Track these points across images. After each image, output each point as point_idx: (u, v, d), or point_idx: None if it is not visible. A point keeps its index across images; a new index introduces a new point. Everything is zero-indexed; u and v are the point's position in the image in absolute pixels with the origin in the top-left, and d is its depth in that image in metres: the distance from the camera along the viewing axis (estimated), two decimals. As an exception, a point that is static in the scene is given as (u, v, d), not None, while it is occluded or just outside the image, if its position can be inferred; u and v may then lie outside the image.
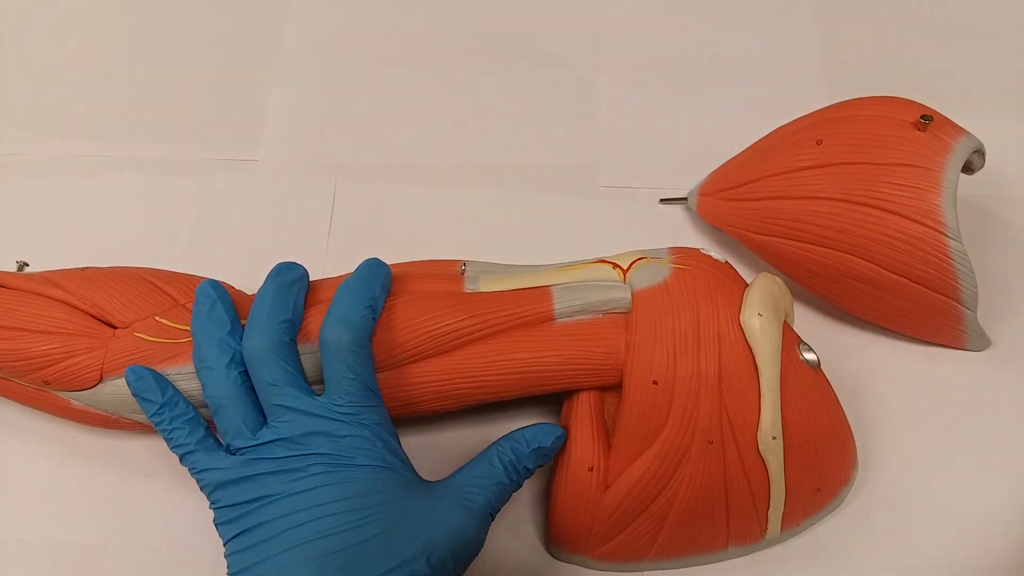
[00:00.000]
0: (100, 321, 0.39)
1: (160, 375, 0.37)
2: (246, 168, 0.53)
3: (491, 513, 0.36)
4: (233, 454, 0.35)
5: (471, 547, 0.35)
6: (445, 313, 0.38)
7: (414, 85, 0.56)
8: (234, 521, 0.34)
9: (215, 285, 0.38)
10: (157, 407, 0.37)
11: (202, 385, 0.37)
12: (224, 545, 0.34)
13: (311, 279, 0.41)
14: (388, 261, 0.40)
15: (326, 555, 0.32)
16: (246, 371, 0.36)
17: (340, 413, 0.35)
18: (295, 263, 0.39)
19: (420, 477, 0.36)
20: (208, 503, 0.35)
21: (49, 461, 0.43)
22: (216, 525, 0.35)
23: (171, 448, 0.36)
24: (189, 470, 0.36)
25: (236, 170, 0.53)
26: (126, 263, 0.44)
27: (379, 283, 0.38)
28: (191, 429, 0.36)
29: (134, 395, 0.37)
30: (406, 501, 0.34)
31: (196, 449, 0.36)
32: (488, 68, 0.57)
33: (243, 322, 0.38)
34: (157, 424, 0.37)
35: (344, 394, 0.35)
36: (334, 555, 0.32)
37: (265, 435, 0.35)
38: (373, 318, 0.37)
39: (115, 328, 0.39)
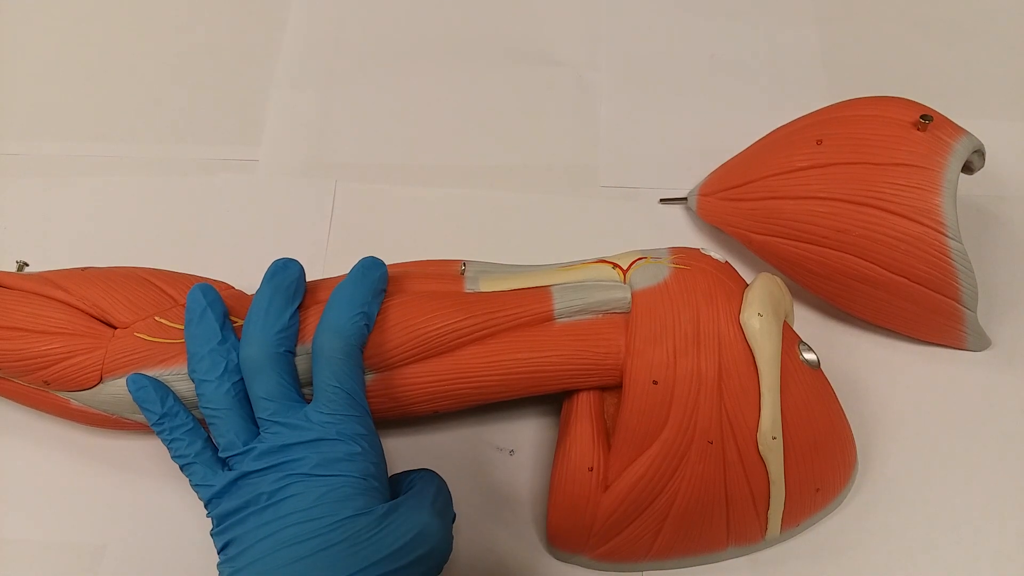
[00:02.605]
0: (100, 321, 0.39)
1: (161, 384, 0.37)
2: (246, 168, 0.53)
3: (453, 515, 0.37)
4: (226, 465, 0.36)
5: (437, 553, 0.35)
6: (445, 313, 0.38)
7: (414, 85, 0.56)
8: (223, 532, 0.35)
9: (205, 290, 0.38)
10: (157, 417, 0.37)
11: (197, 396, 0.37)
12: (218, 554, 0.35)
13: (311, 279, 0.41)
14: (388, 261, 0.40)
15: (292, 562, 0.33)
16: (241, 379, 0.36)
17: (323, 423, 0.35)
18: (291, 260, 0.39)
19: (388, 495, 0.36)
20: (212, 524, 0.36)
21: (49, 461, 0.43)
22: (211, 535, 0.35)
23: (172, 458, 0.37)
24: (189, 482, 0.36)
25: (236, 170, 0.53)
26: (126, 263, 0.44)
27: (373, 287, 0.38)
28: (190, 440, 0.37)
29: (136, 403, 0.38)
30: (372, 510, 0.34)
31: (194, 462, 0.36)
32: (488, 68, 0.57)
33: (242, 321, 0.38)
34: (158, 433, 0.37)
35: (328, 402, 0.35)
36: (300, 562, 0.33)
37: (253, 447, 0.35)
38: (366, 324, 0.37)
39: (115, 328, 0.39)
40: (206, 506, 0.36)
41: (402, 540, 0.33)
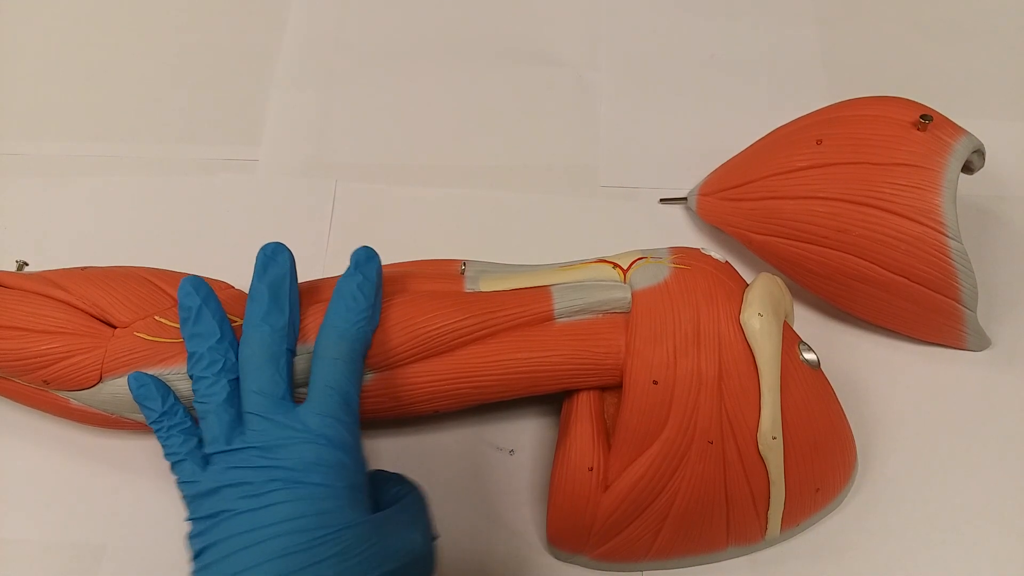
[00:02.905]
0: (100, 321, 0.39)
1: (162, 382, 0.37)
2: (246, 168, 0.53)
3: (435, 535, 0.36)
4: (208, 463, 0.35)
5: (427, 569, 0.35)
6: (445, 313, 0.38)
7: (414, 85, 0.56)
8: (199, 536, 0.33)
9: (197, 286, 0.37)
10: (157, 415, 0.37)
11: (193, 392, 0.36)
12: (191, 562, 0.34)
13: (312, 279, 0.41)
14: (388, 261, 0.40)
15: None
16: (237, 378, 0.36)
17: (313, 426, 0.34)
18: (278, 248, 0.38)
19: (372, 509, 0.35)
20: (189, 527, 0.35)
21: (49, 461, 0.43)
22: (188, 539, 0.34)
23: (165, 456, 0.36)
24: (176, 480, 0.36)
25: (236, 170, 0.53)
26: (126, 263, 0.44)
27: (374, 284, 0.37)
28: (185, 439, 0.36)
29: (136, 402, 0.37)
30: (362, 523, 0.33)
31: (185, 459, 0.35)
32: (488, 68, 0.57)
33: (238, 320, 0.38)
34: (156, 431, 0.37)
35: (320, 405, 0.35)
36: None
37: (235, 443, 0.34)
38: (370, 326, 0.37)
39: (115, 328, 0.39)
40: (187, 506, 0.35)
41: (394, 562, 0.33)
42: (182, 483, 0.35)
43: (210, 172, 0.52)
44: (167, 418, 0.36)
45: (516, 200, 0.52)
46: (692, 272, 0.39)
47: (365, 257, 0.38)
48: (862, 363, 0.46)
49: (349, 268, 0.38)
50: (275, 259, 0.37)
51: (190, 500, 0.35)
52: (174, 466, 0.36)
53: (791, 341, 0.39)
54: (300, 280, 0.40)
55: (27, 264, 0.45)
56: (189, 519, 0.35)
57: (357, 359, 0.36)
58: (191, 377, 0.36)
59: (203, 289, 0.37)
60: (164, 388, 0.37)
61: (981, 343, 0.46)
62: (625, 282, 0.39)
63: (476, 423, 0.44)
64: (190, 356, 0.36)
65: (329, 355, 0.35)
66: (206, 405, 0.35)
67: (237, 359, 0.36)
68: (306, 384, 0.37)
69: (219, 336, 0.36)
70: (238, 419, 0.35)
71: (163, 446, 0.36)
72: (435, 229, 0.51)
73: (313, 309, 0.38)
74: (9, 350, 0.38)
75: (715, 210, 0.48)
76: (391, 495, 0.37)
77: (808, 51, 0.58)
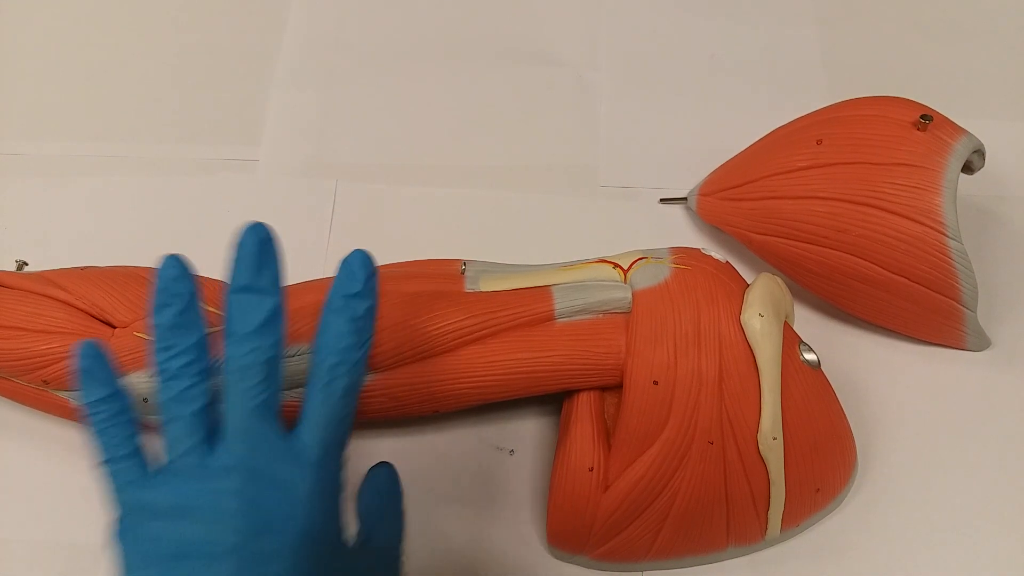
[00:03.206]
0: (99, 320, 0.39)
1: (111, 363, 0.32)
2: (246, 168, 0.53)
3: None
4: (172, 474, 0.29)
5: None
6: (445, 313, 0.38)
7: (414, 85, 0.56)
8: (150, 564, 0.28)
9: (187, 268, 0.31)
10: (103, 396, 0.30)
11: (159, 390, 0.30)
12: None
13: (311, 279, 0.41)
14: (388, 261, 0.40)
15: None
16: (210, 382, 0.31)
17: (314, 457, 0.30)
18: (267, 239, 0.32)
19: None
20: (114, 526, 0.30)
21: (49, 461, 0.43)
22: (120, 552, 0.29)
23: (96, 449, 0.30)
24: (107, 480, 0.30)
25: (236, 170, 0.53)
26: (126, 263, 0.44)
27: (373, 294, 0.32)
28: (130, 434, 0.30)
29: (80, 374, 0.31)
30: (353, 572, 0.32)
31: (127, 459, 0.30)
32: (488, 68, 0.57)
33: (215, 309, 0.35)
34: (92, 416, 0.30)
35: (317, 429, 0.31)
36: None
37: (222, 458, 0.29)
38: (368, 339, 0.33)
39: (114, 327, 0.39)
40: (127, 516, 0.29)
41: None
42: (124, 485, 0.29)
43: (210, 172, 0.52)
44: (112, 403, 0.30)
45: (516, 200, 0.52)
46: (692, 272, 0.39)
47: (371, 272, 0.32)
48: (862, 363, 0.46)
49: (353, 284, 0.32)
50: (268, 253, 0.32)
51: (133, 512, 0.29)
52: (108, 463, 0.30)
53: (791, 341, 0.39)
54: (298, 280, 0.40)
55: (27, 264, 0.45)
56: (126, 534, 0.29)
57: (359, 385, 0.33)
58: (162, 371, 0.30)
59: (194, 276, 0.31)
60: (113, 370, 0.31)
61: (981, 343, 0.46)
62: (625, 282, 0.39)
63: (476, 423, 0.44)
64: (166, 349, 0.30)
65: (337, 384, 0.31)
66: (181, 408, 0.30)
67: (218, 364, 0.31)
68: (297, 385, 0.37)
69: (203, 334, 0.31)
70: (215, 432, 0.30)
71: (96, 437, 0.30)
72: (435, 229, 0.50)
73: (312, 310, 0.38)
74: (9, 350, 0.38)
75: (715, 210, 0.48)
76: (371, 533, 0.35)
77: (808, 51, 0.58)
